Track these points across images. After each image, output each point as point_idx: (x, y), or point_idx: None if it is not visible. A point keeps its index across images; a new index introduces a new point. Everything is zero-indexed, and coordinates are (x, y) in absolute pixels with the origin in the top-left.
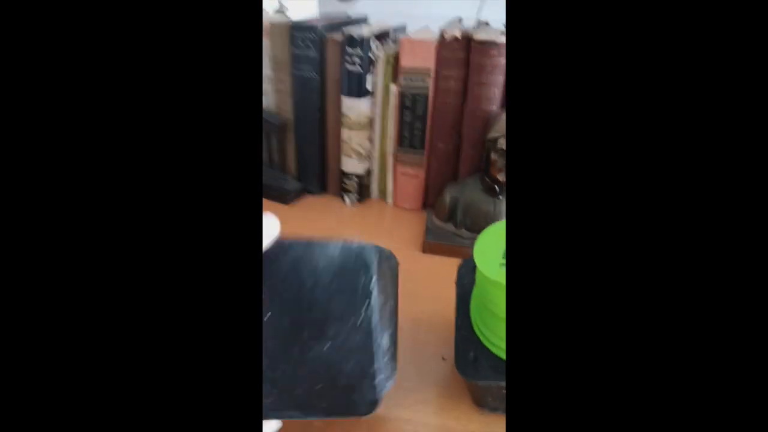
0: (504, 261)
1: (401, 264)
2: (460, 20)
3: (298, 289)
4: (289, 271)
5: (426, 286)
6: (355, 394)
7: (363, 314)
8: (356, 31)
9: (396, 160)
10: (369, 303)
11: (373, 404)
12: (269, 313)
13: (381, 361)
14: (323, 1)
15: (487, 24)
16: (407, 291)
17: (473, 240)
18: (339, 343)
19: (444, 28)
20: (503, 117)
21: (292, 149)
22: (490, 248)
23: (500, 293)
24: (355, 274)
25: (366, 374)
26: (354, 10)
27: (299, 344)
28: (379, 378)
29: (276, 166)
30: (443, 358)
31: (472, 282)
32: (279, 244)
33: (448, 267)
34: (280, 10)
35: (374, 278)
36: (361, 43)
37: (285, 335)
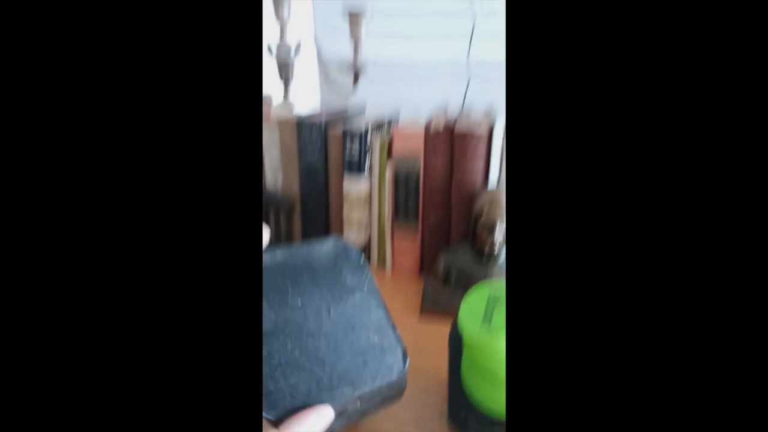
0: (485, 323)
1: (400, 329)
2: (446, 109)
3: (312, 280)
4: (300, 268)
5: (422, 349)
6: (388, 354)
7: (366, 280)
8: (355, 125)
9: (393, 230)
10: (367, 272)
11: (405, 355)
12: (300, 302)
13: (392, 321)
14: (325, 91)
15: (469, 112)
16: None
17: None
18: (357, 309)
19: (429, 121)
20: (485, 195)
21: (299, 225)
22: (474, 311)
23: (483, 353)
24: (348, 255)
25: (388, 325)
26: (354, 99)
27: (328, 320)
28: (398, 332)
29: (284, 242)
30: None
31: (462, 342)
32: (281, 256)
33: (444, 330)
34: (285, 103)
35: (363, 255)
36: (359, 136)
37: (316, 316)
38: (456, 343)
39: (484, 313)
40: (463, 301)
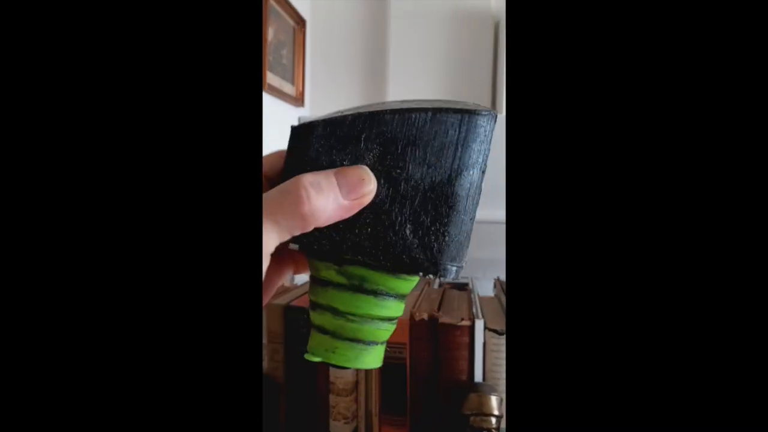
0: None
1: None
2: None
3: None
4: None
5: None
6: None
7: None
8: None
9: (380, 421)
10: None
11: None
12: None
13: None
14: None
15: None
16: None
17: None
18: None
19: (413, 310)
20: (472, 395)
21: (283, 413)
22: None
23: None
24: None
25: None
26: None
27: None
28: None
29: (266, 426)
30: None
31: None
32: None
33: None
34: None
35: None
36: None
37: None
38: None
39: None
40: None
